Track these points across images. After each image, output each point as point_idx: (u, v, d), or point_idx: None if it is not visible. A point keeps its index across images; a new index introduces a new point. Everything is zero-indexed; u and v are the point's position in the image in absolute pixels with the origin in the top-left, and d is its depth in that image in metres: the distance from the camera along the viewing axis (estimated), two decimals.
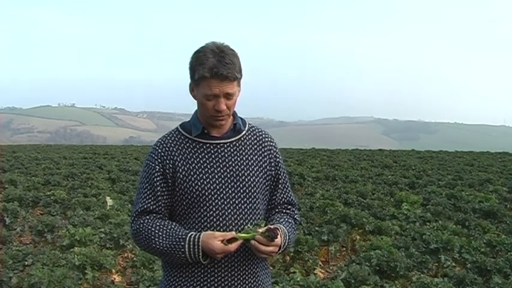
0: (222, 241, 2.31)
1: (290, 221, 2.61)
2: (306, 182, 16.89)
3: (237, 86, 2.41)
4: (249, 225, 2.42)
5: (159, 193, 2.45)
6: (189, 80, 2.46)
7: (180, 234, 2.37)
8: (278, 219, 2.57)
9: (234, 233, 2.35)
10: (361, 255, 6.94)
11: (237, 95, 2.45)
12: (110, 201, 11.23)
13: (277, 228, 2.35)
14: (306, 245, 7.49)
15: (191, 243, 2.33)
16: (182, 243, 2.34)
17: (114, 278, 7.00)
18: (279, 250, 2.40)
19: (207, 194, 2.41)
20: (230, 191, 2.43)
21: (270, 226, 2.35)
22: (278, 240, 2.34)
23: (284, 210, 2.66)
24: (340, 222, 8.94)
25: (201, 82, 2.36)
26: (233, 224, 2.42)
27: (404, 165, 25.17)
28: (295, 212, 2.70)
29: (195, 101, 2.49)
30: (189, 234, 2.35)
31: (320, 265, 7.89)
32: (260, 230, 2.32)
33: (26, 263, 7.03)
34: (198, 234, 2.35)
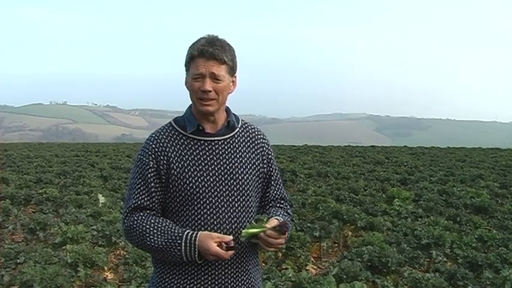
0: (219, 243, 2.30)
1: (285, 214, 2.62)
2: (298, 179, 16.90)
3: (226, 72, 2.40)
4: (252, 221, 2.42)
5: (153, 189, 2.43)
6: (184, 76, 2.47)
7: (176, 232, 2.35)
8: (274, 212, 2.58)
9: (231, 237, 2.35)
10: (353, 251, 6.97)
11: (228, 84, 2.45)
12: (102, 198, 11.20)
13: (287, 222, 2.37)
14: (298, 241, 7.51)
15: (187, 241, 2.32)
16: (179, 241, 2.32)
17: (107, 275, 6.99)
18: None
19: (201, 191, 2.40)
20: (224, 189, 2.43)
21: (279, 219, 2.38)
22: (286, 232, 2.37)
23: (278, 205, 2.67)
24: (332, 219, 8.96)
25: (191, 64, 2.39)
26: (227, 221, 2.41)
27: (396, 162, 25.21)
28: (288, 207, 2.72)
29: (188, 98, 2.49)
30: (185, 233, 2.34)
31: (312, 261, 7.91)
32: (268, 225, 2.34)
33: (18, 261, 7.01)
34: (195, 233, 2.34)
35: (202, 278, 2.41)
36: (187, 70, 2.43)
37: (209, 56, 2.34)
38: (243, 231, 2.35)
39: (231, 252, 2.33)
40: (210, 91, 2.37)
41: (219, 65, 2.37)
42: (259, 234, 2.34)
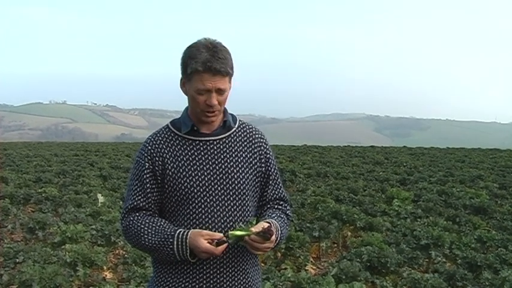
0: (211, 241, 2.30)
1: (282, 216, 2.61)
2: (297, 179, 16.91)
3: (228, 81, 2.41)
4: (240, 223, 2.42)
5: (148, 190, 2.45)
6: (180, 76, 2.46)
7: (169, 231, 2.37)
8: (270, 214, 2.57)
9: (221, 234, 2.34)
10: (352, 252, 6.96)
11: (228, 92, 2.45)
12: (101, 198, 11.21)
13: (271, 225, 2.36)
14: (297, 241, 7.51)
15: (179, 240, 2.33)
16: (171, 240, 2.34)
17: (106, 275, 6.99)
18: (274, 245, 2.42)
19: (195, 191, 2.40)
20: (219, 188, 2.43)
21: (264, 225, 2.33)
22: (273, 237, 2.35)
23: (276, 206, 2.66)
24: (331, 219, 8.95)
25: (194, 76, 2.36)
26: (222, 221, 2.42)
27: (395, 162, 25.23)
28: (287, 207, 2.70)
29: (186, 97, 2.49)
30: (177, 231, 2.35)
31: (311, 261, 7.91)
32: (253, 230, 2.31)
33: (17, 260, 7.01)
34: (187, 231, 2.34)
35: (198, 277, 2.42)
36: (189, 80, 2.40)
37: (215, 72, 2.33)
38: (230, 232, 2.34)
39: (221, 248, 2.31)
40: (215, 105, 2.39)
41: (224, 78, 2.37)
42: (245, 237, 2.33)
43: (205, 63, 2.32)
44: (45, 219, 8.77)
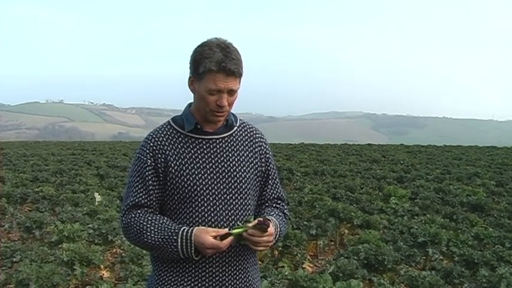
0: (215, 237, 2.29)
1: (280, 214, 2.61)
2: (294, 177, 16.91)
3: (239, 82, 2.39)
4: (238, 222, 2.42)
5: (150, 187, 2.43)
6: (186, 74, 2.44)
7: (173, 228, 2.35)
8: (269, 212, 2.58)
9: (226, 229, 2.34)
10: (349, 249, 6.97)
11: (238, 93, 2.44)
12: (98, 197, 11.20)
13: (267, 219, 2.35)
14: (295, 239, 7.51)
15: (184, 238, 2.31)
16: (175, 238, 2.32)
17: (103, 274, 6.99)
18: (274, 240, 2.42)
19: (198, 189, 2.39)
20: (221, 187, 2.43)
21: (259, 218, 2.34)
22: (271, 228, 2.34)
23: (274, 205, 2.66)
24: (328, 217, 8.96)
25: (206, 76, 2.33)
26: (224, 219, 2.41)
27: (392, 160, 25.26)
28: (285, 206, 2.70)
29: (190, 96, 2.48)
30: (181, 229, 2.34)
31: (308, 259, 7.91)
32: (250, 225, 2.32)
33: (14, 259, 7.00)
34: (191, 229, 2.33)
35: (200, 276, 2.41)
36: (199, 79, 2.37)
37: (229, 72, 2.31)
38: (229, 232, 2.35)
39: (227, 242, 2.31)
40: (225, 106, 2.38)
41: (236, 79, 2.36)
42: (243, 234, 2.34)
43: (219, 63, 2.30)
44: (42, 218, 8.75)
